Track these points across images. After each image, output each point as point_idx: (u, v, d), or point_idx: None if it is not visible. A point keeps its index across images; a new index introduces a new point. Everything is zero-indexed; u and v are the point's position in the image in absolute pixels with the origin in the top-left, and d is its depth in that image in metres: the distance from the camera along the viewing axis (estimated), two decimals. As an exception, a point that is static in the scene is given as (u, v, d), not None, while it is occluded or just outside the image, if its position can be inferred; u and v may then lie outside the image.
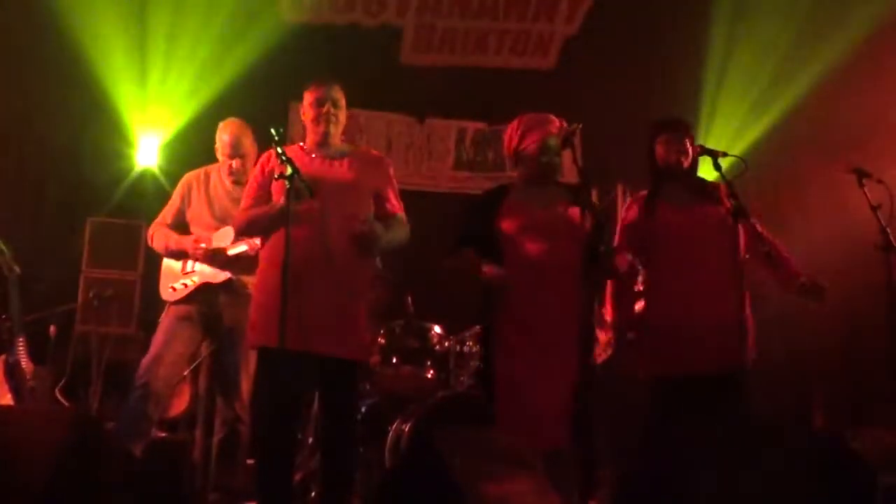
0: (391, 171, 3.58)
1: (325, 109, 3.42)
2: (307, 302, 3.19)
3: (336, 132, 3.47)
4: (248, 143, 4.05)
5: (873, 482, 2.72)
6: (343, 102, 3.49)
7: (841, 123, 5.46)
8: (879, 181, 3.68)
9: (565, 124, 3.43)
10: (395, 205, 3.52)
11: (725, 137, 5.54)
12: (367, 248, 3.31)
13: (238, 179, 4.01)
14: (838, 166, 3.88)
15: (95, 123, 5.64)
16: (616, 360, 3.68)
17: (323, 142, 3.45)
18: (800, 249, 3.72)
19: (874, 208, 3.67)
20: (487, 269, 3.31)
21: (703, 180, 3.62)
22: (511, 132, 3.52)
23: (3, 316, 4.26)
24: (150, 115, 5.82)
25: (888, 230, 3.64)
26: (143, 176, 5.76)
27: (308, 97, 3.47)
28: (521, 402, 3.29)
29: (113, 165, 5.72)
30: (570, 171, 3.99)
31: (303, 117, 3.51)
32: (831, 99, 5.55)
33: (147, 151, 5.79)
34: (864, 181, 3.71)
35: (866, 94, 5.40)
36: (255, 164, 3.59)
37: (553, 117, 3.50)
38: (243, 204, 3.45)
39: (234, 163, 4.01)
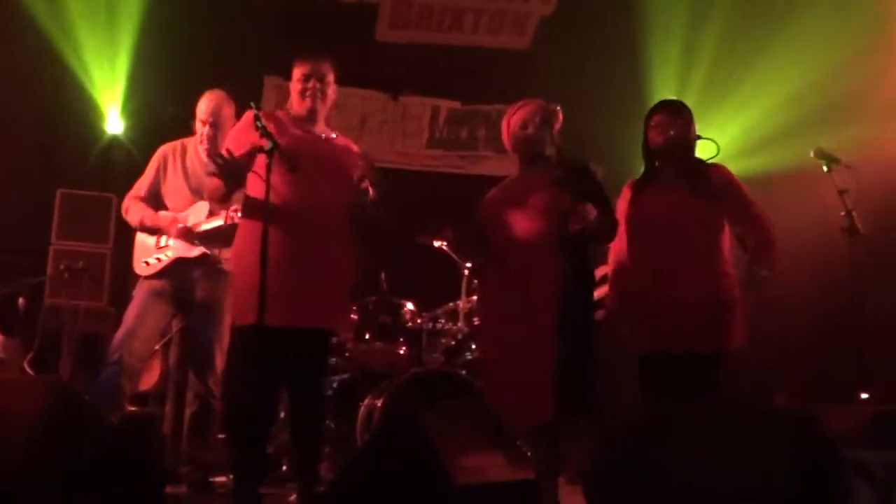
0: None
1: (310, 85, 3.40)
2: (287, 277, 3.19)
3: (322, 108, 3.44)
4: (227, 114, 4.01)
5: (838, 458, 2.80)
6: (331, 77, 3.45)
7: (810, 108, 5.53)
8: (847, 166, 3.75)
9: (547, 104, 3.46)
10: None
11: (702, 118, 5.61)
12: (360, 206, 3.29)
13: (212, 148, 3.98)
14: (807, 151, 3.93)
15: (63, 92, 5.56)
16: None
17: (309, 117, 3.44)
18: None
19: (841, 193, 3.73)
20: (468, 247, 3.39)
21: (699, 162, 3.60)
22: (505, 121, 3.60)
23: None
24: (119, 84, 5.74)
25: (853, 214, 3.71)
26: (113, 146, 5.69)
27: (296, 71, 3.44)
28: (503, 378, 3.34)
29: (82, 134, 5.64)
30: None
31: (291, 88, 3.49)
32: (802, 81, 5.61)
33: (115, 120, 5.72)
34: (831, 166, 3.77)
35: (838, 77, 5.46)
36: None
37: (537, 101, 3.56)
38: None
39: (207, 129, 3.97)
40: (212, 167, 3.64)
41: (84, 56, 5.64)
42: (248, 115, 3.27)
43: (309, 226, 3.28)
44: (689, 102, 3.73)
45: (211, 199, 3.82)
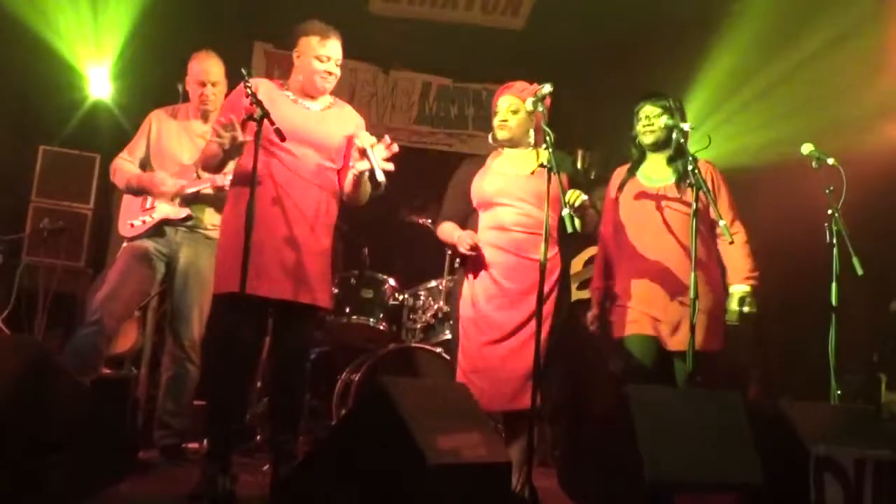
0: (362, 128, 3.50)
1: (330, 66, 3.35)
2: (272, 249, 3.18)
3: (329, 88, 3.41)
4: (219, 72, 3.99)
5: (806, 453, 2.83)
6: (341, 59, 3.41)
7: (797, 107, 5.53)
8: (832, 164, 3.76)
9: (536, 86, 3.44)
10: None
11: (699, 108, 5.60)
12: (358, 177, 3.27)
13: (208, 109, 3.96)
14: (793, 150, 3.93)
15: (45, 54, 5.46)
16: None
17: (310, 92, 3.38)
18: (753, 230, 3.78)
19: (827, 190, 3.74)
20: (462, 235, 3.43)
21: (685, 156, 3.60)
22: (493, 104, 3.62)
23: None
24: (103, 46, 5.64)
25: (838, 212, 3.72)
26: (97, 108, 5.61)
27: (313, 44, 3.33)
28: (483, 364, 3.35)
29: (65, 96, 5.56)
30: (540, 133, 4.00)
31: (297, 59, 3.38)
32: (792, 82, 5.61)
33: (99, 83, 5.63)
34: (819, 163, 3.78)
35: (829, 78, 5.46)
36: (226, 96, 3.51)
37: (518, 82, 3.55)
38: (211, 134, 3.34)
39: (206, 89, 3.95)
40: (208, 130, 3.60)
41: (69, 19, 5.53)
42: (240, 85, 3.23)
43: (297, 198, 3.26)
44: (693, 91, 3.72)
45: (201, 165, 3.80)
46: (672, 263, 3.52)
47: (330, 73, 3.36)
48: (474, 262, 3.45)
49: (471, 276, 3.48)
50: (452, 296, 3.65)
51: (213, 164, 3.32)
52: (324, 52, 3.34)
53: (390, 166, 3.21)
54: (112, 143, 4.25)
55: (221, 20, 5.55)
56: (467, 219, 3.56)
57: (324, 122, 3.38)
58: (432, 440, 2.38)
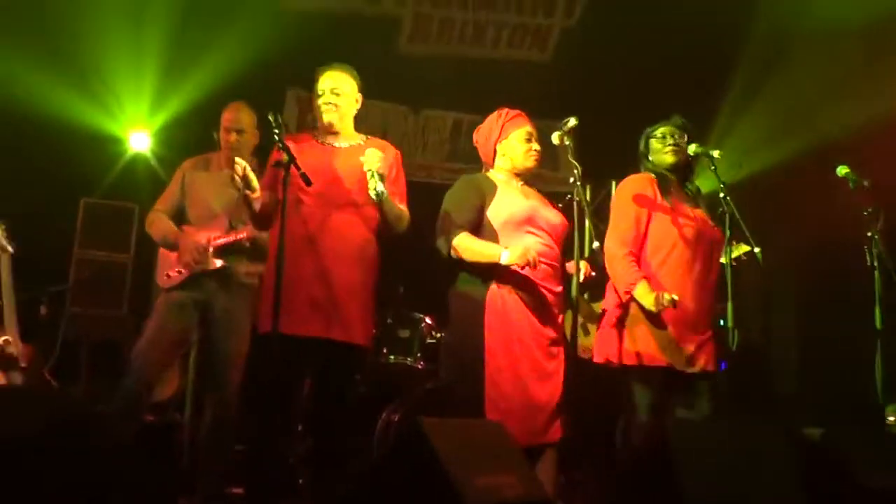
0: (398, 164, 3.52)
1: (324, 99, 3.45)
2: (302, 286, 3.22)
3: (337, 120, 3.46)
4: (247, 121, 4.06)
5: (858, 486, 2.74)
6: (347, 88, 3.47)
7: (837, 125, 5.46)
8: (871, 185, 3.70)
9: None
10: (395, 193, 3.43)
11: (719, 136, 5.57)
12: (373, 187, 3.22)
13: (235, 156, 4.02)
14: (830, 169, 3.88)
15: (90, 107, 5.61)
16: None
17: (328, 130, 3.46)
18: (791, 248, 3.73)
19: (865, 211, 3.68)
20: (522, 256, 3.23)
21: (695, 184, 3.59)
22: (490, 126, 3.58)
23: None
24: (145, 100, 5.79)
25: (877, 234, 3.65)
26: (136, 160, 5.74)
27: (316, 84, 3.49)
28: (511, 399, 3.31)
29: (106, 148, 5.70)
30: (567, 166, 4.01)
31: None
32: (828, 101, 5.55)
33: (140, 137, 5.77)
34: (855, 185, 3.73)
35: (864, 98, 5.39)
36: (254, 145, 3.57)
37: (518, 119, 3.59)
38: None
39: (231, 137, 4.02)
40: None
41: (110, 75, 5.69)
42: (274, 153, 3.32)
43: (328, 235, 3.28)
44: (717, 120, 3.71)
45: (232, 213, 3.86)
46: (695, 290, 3.43)
47: (329, 103, 3.42)
48: (511, 278, 3.30)
49: (496, 303, 3.32)
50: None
51: (239, 209, 3.36)
52: (320, 87, 3.45)
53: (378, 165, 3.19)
54: (150, 194, 4.35)
55: (255, 70, 5.66)
56: (477, 232, 3.40)
57: (349, 157, 3.41)
58: (469, 480, 2.36)
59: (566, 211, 3.55)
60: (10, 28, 5.40)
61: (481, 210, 3.39)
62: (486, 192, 3.42)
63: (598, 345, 3.50)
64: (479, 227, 3.38)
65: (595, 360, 3.48)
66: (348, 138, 3.50)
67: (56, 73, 5.54)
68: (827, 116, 5.32)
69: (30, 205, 5.42)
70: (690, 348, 3.37)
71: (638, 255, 3.43)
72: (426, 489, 2.36)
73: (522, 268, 3.21)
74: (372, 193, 3.18)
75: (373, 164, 3.19)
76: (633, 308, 3.36)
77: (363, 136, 3.55)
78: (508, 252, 3.24)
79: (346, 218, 3.33)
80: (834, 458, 2.76)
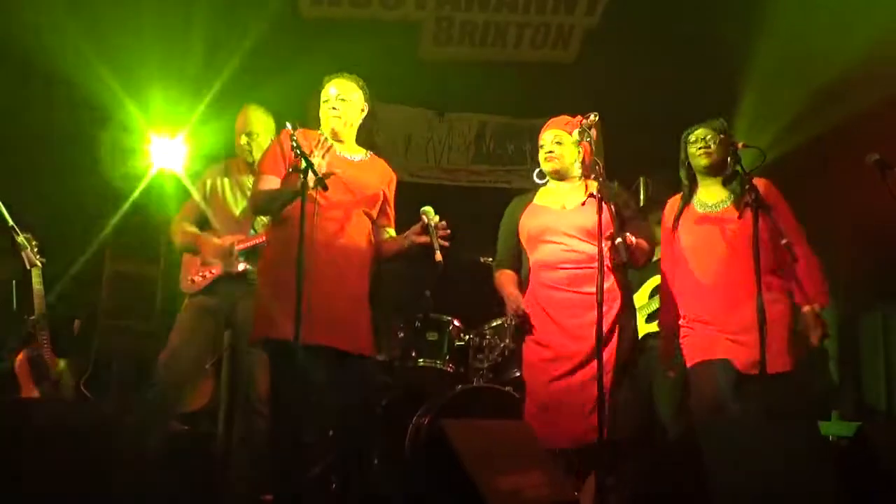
0: (394, 186, 3.58)
1: (328, 107, 3.44)
2: (321, 296, 3.18)
3: (341, 126, 3.45)
4: (258, 124, 4.07)
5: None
6: (353, 95, 3.45)
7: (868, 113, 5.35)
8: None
9: (581, 118, 3.44)
10: (391, 218, 3.54)
11: (747, 130, 5.47)
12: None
13: (247, 158, 4.03)
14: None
15: (113, 122, 5.68)
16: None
17: (332, 137, 3.43)
18: (823, 241, 3.65)
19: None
20: (510, 297, 3.49)
21: (740, 179, 3.51)
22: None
23: (28, 316, 4.33)
24: (169, 113, 5.84)
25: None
26: (162, 172, 5.79)
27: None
28: (550, 401, 3.30)
29: (131, 162, 5.75)
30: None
31: None
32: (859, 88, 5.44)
33: (164, 149, 5.81)
34: (886, 172, 3.64)
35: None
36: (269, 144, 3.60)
37: (562, 116, 3.57)
38: (259, 178, 3.38)
39: (242, 140, 4.03)
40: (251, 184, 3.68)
41: (140, 87, 5.75)
42: (283, 133, 3.29)
43: (328, 242, 3.26)
44: (742, 115, 3.64)
45: (252, 217, 3.87)
46: (738, 288, 3.40)
47: (333, 109, 3.41)
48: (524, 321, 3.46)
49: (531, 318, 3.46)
50: (518, 332, 3.63)
51: (273, 208, 3.35)
52: (325, 94, 3.45)
53: (446, 244, 3.23)
54: (177, 206, 4.38)
55: (274, 79, 5.69)
56: (521, 256, 3.54)
57: (361, 170, 3.42)
58: (492, 482, 2.33)
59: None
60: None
61: (517, 233, 3.61)
62: (517, 214, 3.64)
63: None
64: (520, 250, 3.61)
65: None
66: (353, 149, 3.50)
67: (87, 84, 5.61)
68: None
69: (60, 219, 5.51)
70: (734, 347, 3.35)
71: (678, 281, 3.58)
72: (449, 491, 2.34)
73: (519, 317, 3.45)
74: (417, 241, 3.26)
75: (433, 219, 3.25)
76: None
77: (365, 151, 3.55)
78: (506, 296, 3.54)
79: (347, 226, 3.32)
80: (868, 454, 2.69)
